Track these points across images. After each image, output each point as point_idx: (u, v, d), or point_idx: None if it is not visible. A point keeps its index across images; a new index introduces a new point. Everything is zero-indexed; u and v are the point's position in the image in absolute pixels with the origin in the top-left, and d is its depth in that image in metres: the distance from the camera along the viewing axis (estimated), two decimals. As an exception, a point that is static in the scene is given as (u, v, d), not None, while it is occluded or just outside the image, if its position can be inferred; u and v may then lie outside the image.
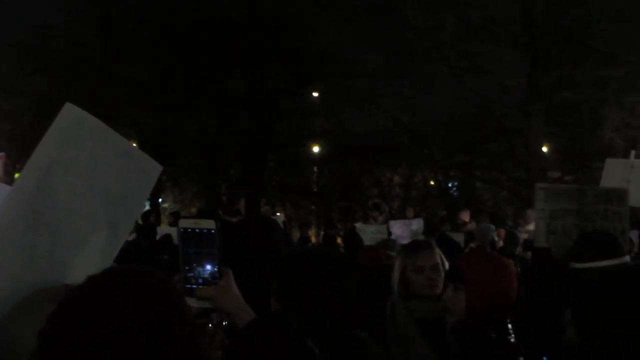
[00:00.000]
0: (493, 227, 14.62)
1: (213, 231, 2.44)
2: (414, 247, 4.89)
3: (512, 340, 3.52)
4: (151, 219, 19.37)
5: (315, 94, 34.15)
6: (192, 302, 2.43)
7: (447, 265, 4.59)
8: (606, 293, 3.33)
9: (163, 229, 15.83)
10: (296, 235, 22.91)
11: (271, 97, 32.13)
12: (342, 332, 2.96)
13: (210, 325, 2.59)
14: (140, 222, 19.98)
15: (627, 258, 4.71)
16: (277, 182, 35.34)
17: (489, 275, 3.48)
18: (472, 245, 12.71)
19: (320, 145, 35.44)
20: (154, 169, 2.57)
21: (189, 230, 2.46)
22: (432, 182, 36.72)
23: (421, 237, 13.75)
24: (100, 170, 2.34)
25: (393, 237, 15.03)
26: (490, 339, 3.43)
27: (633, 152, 9.06)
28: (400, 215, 23.07)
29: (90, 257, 2.30)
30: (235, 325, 2.51)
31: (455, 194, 36.11)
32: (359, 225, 17.68)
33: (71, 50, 30.02)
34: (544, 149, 29.54)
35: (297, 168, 34.90)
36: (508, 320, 3.55)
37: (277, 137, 33.39)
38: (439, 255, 4.74)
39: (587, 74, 26.75)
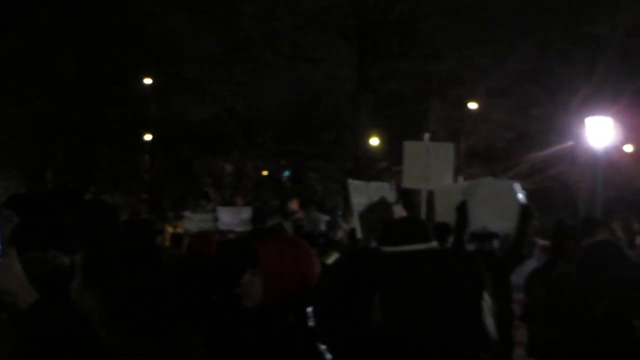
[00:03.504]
0: (324, 216, 14.89)
1: None
2: None
3: (311, 324, 3.56)
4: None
5: (148, 81, 33.56)
6: None
7: None
8: (411, 273, 3.46)
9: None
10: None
11: (102, 82, 31.39)
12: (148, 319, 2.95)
13: None
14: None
15: (434, 243, 4.89)
16: (107, 169, 34.58)
17: (285, 259, 3.51)
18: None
19: (153, 133, 34.90)
20: None
21: None
22: (265, 172, 36.86)
23: (249, 226, 13.90)
24: None
25: (221, 225, 15.07)
26: (287, 323, 3.47)
27: (427, 135, 9.43)
28: (231, 204, 23.08)
29: None
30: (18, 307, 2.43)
31: (288, 184, 36.37)
32: (187, 213, 17.59)
33: None
34: (375, 140, 30.20)
35: (128, 155, 34.27)
36: (307, 305, 3.59)
37: (108, 123, 32.63)
38: None
39: (413, 66, 27.52)
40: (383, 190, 9.64)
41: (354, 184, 9.66)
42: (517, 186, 7.08)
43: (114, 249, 3.08)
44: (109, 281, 2.95)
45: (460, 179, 11.21)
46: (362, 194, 9.24)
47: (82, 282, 2.92)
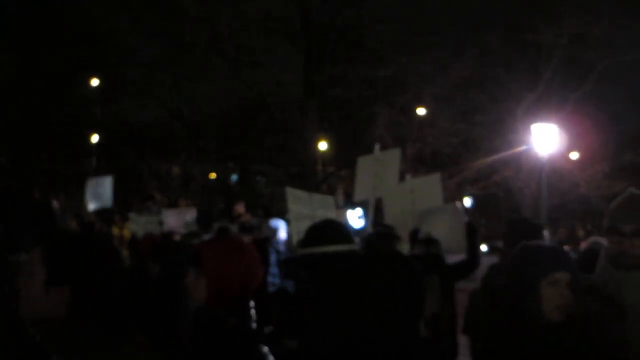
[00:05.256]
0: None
1: None
2: None
3: (254, 326, 3.54)
4: None
5: (94, 83, 33.17)
6: None
7: None
8: (330, 274, 3.46)
9: None
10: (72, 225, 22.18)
11: (46, 83, 30.93)
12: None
13: None
14: None
15: (355, 246, 4.90)
16: (51, 171, 34.07)
17: (226, 261, 3.49)
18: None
19: (99, 135, 34.52)
20: None
21: None
22: (212, 175, 36.71)
23: (195, 228, 13.79)
24: None
25: (165, 227, 14.91)
26: (228, 324, 3.43)
27: (377, 146, 9.44)
28: (177, 206, 22.93)
29: None
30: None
31: (236, 187, 36.27)
32: (132, 215, 17.43)
33: None
34: (322, 145, 30.20)
35: (73, 157, 33.82)
36: (251, 306, 3.57)
37: (52, 125, 32.17)
38: None
39: (358, 72, 27.49)
40: (326, 202, 9.67)
41: (294, 192, 9.64)
42: (458, 206, 7.34)
43: (78, 245, 3.04)
44: (76, 278, 2.91)
45: (408, 177, 11.17)
46: (305, 204, 9.23)
47: (46, 279, 2.88)
